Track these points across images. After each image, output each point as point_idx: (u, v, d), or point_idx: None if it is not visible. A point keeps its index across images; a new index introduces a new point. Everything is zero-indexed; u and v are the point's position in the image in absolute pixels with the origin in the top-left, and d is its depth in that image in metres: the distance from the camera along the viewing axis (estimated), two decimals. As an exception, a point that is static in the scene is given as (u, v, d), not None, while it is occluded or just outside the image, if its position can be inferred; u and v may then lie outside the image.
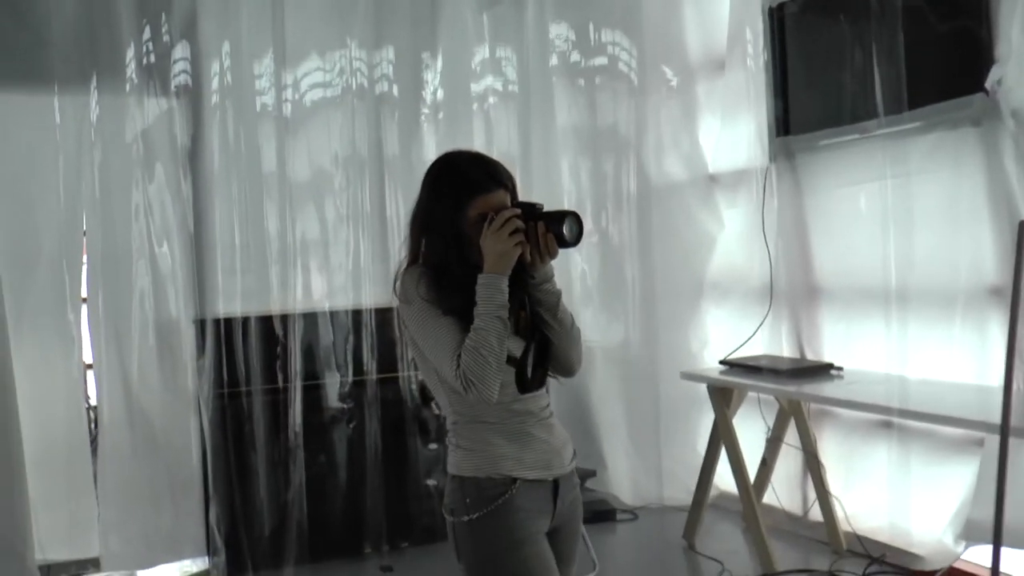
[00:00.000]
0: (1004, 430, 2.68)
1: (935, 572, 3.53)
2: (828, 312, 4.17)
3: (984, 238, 3.38)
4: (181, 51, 4.05)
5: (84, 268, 4.04)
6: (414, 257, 2.01)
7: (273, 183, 4.17)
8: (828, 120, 3.98)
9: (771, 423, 4.24)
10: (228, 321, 4.02)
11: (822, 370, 3.91)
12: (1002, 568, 2.82)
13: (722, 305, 4.71)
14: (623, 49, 4.84)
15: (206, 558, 4.10)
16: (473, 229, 1.92)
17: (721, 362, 4.22)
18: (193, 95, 4.10)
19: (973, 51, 3.29)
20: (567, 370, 2.07)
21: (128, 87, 3.98)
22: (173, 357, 4.03)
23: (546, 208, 1.96)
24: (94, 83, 3.94)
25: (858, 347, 3.97)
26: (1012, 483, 2.93)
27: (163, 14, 4.00)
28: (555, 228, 1.92)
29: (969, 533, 3.37)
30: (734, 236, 4.60)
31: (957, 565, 3.50)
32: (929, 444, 3.71)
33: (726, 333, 4.53)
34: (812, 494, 4.19)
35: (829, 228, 4.13)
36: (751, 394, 4.21)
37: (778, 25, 4.20)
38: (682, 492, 4.59)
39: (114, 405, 3.95)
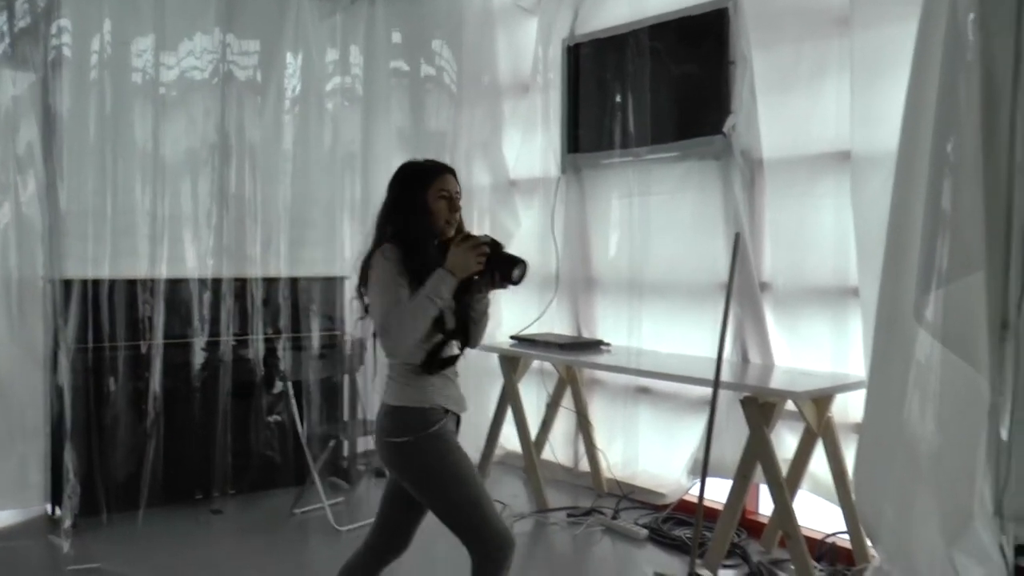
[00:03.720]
0: (715, 386, 3.81)
1: (669, 504, 4.69)
2: (601, 299, 5.26)
3: (719, 245, 4.51)
4: (61, 24, 4.44)
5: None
6: (380, 240, 2.66)
7: (146, 157, 4.69)
8: (608, 143, 5.04)
9: (551, 390, 5.29)
10: (95, 283, 4.51)
11: (593, 345, 4.97)
12: (712, 493, 4.01)
13: (516, 291, 5.67)
14: (447, 62, 5.74)
15: (47, 505, 4.60)
16: (433, 203, 2.65)
17: (512, 337, 5.23)
18: (71, 67, 4.50)
19: (717, 102, 4.43)
20: (474, 345, 2.82)
21: (0, 51, 4.32)
22: (31, 314, 4.45)
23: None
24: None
25: (623, 328, 5.05)
26: (722, 428, 4.14)
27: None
28: (505, 271, 2.60)
29: (694, 469, 4.54)
30: (528, 234, 5.59)
31: (687, 498, 4.67)
32: (674, 405, 4.86)
33: (518, 314, 5.53)
34: (582, 449, 5.27)
35: (605, 231, 5.20)
36: (535, 365, 5.24)
37: (574, 60, 5.22)
38: (473, 450, 5.45)
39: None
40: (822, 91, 4.04)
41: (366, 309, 2.72)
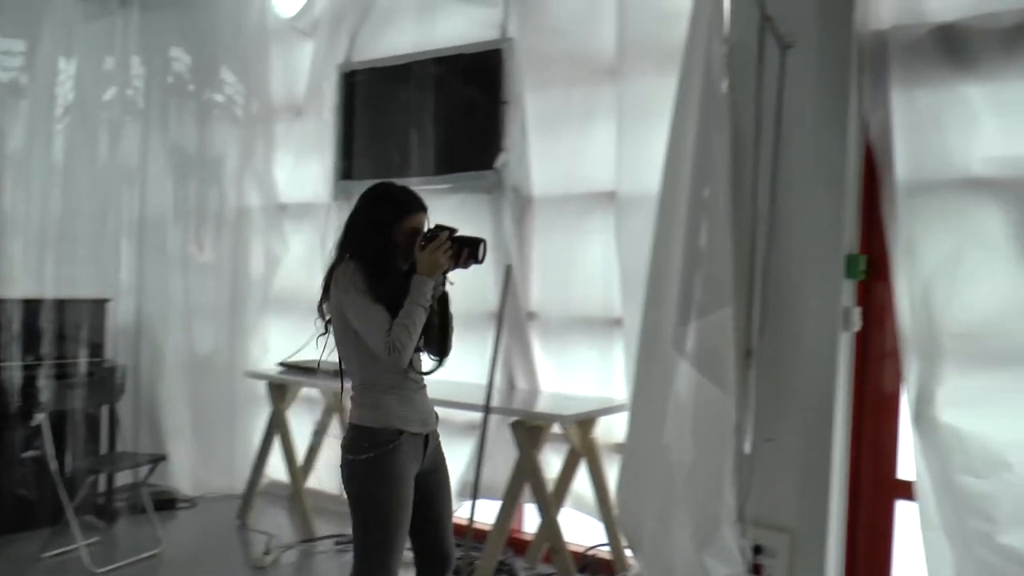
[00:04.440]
0: (486, 411, 4.05)
1: (439, 527, 4.86)
2: (372, 326, 5.37)
3: (489, 276, 4.76)
4: None
5: None
6: (343, 254, 2.79)
7: None
8: (381, 172, 5.17)
9: (318, 418, 5.32)
10: None
11: (363, 373, 5.09)
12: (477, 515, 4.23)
13: (285, 317, 5.71)
14: (227, 80, 5.68)
15: None
16: (401, 237, 2.77)
17: (280, 364, 5.23)
18: None
19: (490, 138, 4.70)
20: (447, 353, 2.92)
21: None
22: None
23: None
24: None
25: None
26: (490, 451, 4.38)
27: None
28: (473, 251, 2.79)
29: (462, 492, 4.75)
30: (297, 259, 5.63)
31: (454, 520, 4.84)
32: (442, 429, 5.02)
33: (286, 341, 5.53)
34: (349, 476, 5.34)
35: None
36: (303, 394, 5.26)
37: (348, 87, 5.33)
38: (237, 481, 5.49)
39: None
40: (591, 134, 4.39)
41: (327, 325, 2.87)
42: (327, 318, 2.87)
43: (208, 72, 5.67)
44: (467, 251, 2.81)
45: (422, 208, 2.86)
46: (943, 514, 3.01)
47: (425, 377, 2.91)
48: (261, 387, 5.34)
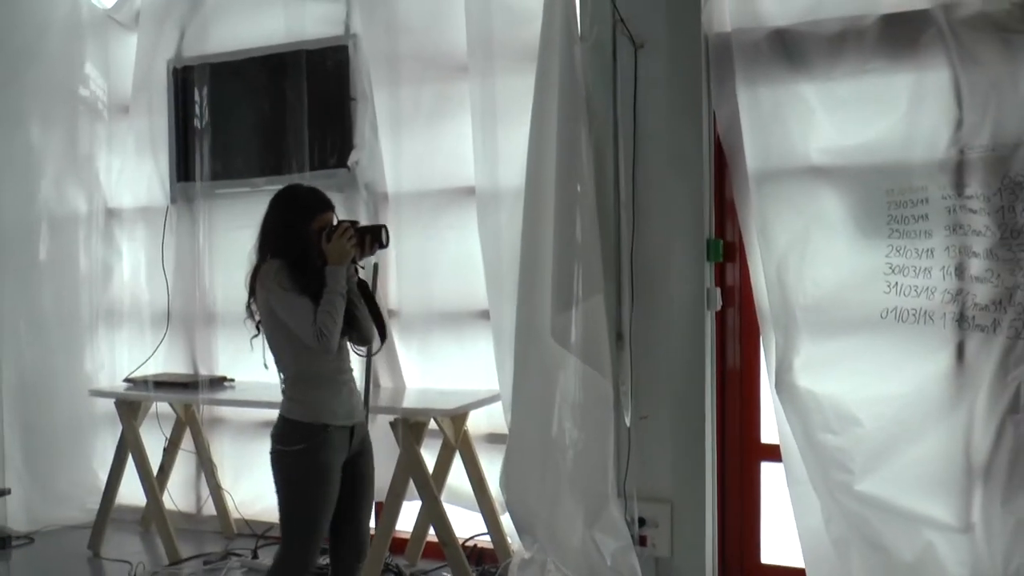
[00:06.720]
0: (366, 411, 4.29)
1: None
2: (222, 334, 5.46)
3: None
4: None
5: None
6: (264, 256, 3.19)
7: None
8: (224, 173, 5.28)
9: (167, 434, 5.36)
10: None
11: (216, 382, 5.20)
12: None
13: (123, 329, 5.69)
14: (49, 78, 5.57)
15: None
16: (313, 236, 3.17)
17: (126, 380, 5.25)
18: None
19: (341, 136, 4.92)
20: (366, 340, 3.34)
21: None
22: None
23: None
24: None
25: (245, 362, 5.28)
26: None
27: None
28: (376, 236, 3.22)
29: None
30: (135, 267, 5.63)
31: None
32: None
33: (128, 355, 5.54)
34: (205, 492, 5.43)
35: (223, 262, 5.37)
36: (152, 410, 5.29)
37: (182, 83, 5.35)
38: (77, 511, 5.48)
39: None
40: (445, 130, 4.67)
41: (258, 326, 3.27)
42: (257, 318, 3.26)
43: (26, 66, 5.54)
44: (370, 237, 3.25)
45: (329, 207, 3.29)
46: (808, 469, 3.56)
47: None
48: (100, 407, 5.32)
